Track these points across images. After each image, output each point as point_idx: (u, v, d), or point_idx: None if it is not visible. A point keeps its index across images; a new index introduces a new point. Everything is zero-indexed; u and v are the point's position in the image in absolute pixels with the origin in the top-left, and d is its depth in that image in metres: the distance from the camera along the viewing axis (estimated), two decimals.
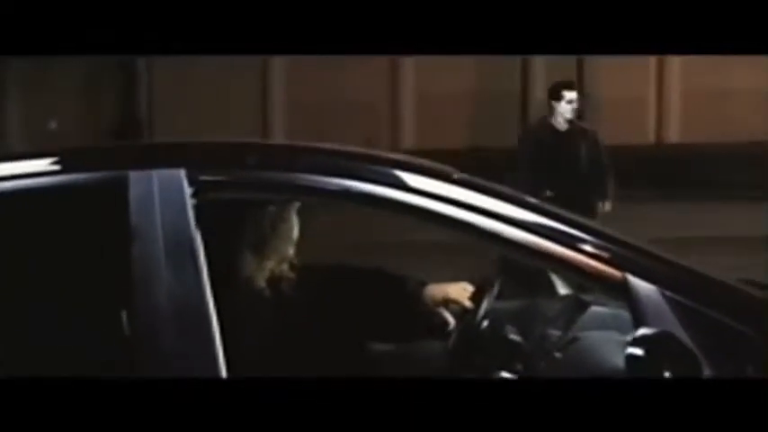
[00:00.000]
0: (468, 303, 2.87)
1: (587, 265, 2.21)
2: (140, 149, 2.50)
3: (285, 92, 21.83)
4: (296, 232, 2.83)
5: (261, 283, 2.77)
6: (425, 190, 2.22)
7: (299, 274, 2.87)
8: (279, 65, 21.49)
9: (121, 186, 2.15)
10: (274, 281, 2.81)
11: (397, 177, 2.23)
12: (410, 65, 21.64)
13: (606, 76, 21.06)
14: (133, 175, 2.16)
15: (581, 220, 2.34)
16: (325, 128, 20.28)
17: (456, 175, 2.35)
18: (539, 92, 21.57)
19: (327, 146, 2.47)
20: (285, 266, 2.84)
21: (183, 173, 2.18)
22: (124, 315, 2.13)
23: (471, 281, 2.94)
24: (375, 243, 6.47)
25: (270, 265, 2.80)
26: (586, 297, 2.78)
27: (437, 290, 2.91)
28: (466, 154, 18.98)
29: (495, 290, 2.87)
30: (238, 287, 2.64)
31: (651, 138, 22.07)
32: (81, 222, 2.20)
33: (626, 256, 2.23)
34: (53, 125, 21.01)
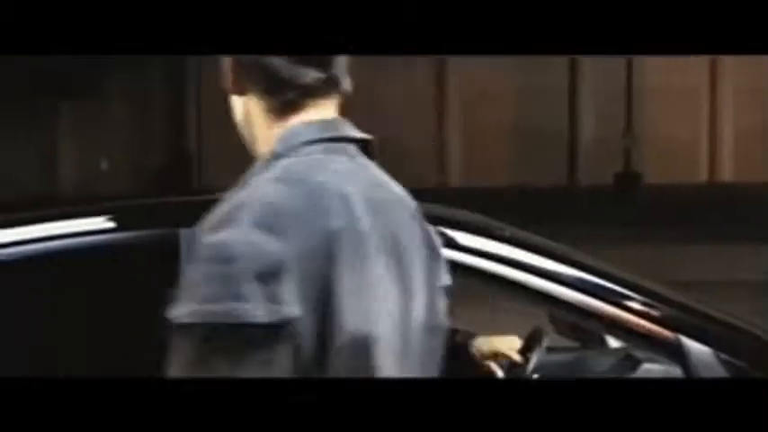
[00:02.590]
0: (517, 357, 2.83)
1: (639, 325, 2.18)
2: (190, 205, 2.51)
3: None
4: None
5: None
6: (476, 248, 2.21)
7: None
8: None
9: (172, 244, 2.16)
10: None
11: (447, 235, 2.22)
12: (456, 98, 21.70)
13: (655, 112, 20.95)
14: (183, 233, 2.17)
15: (633, 278, 2.31)
16: None
17: (506, 232, 2.33)
18: (587, 130, 21.58)
19: None
20: None
21: None
22: None
23: (520, 334, 2.91)
24: None
25: None
26: (638, 353, 2.73)
27: (486, 342, 2.87)
28: (511, 192, 19.00)
29: (545, 343, 2.83)
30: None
31: (704, 176, 21.89)
32: (133, 280, 2.21)
33: (680, 317, 2.20)
34: (105, 165, 21.35)
